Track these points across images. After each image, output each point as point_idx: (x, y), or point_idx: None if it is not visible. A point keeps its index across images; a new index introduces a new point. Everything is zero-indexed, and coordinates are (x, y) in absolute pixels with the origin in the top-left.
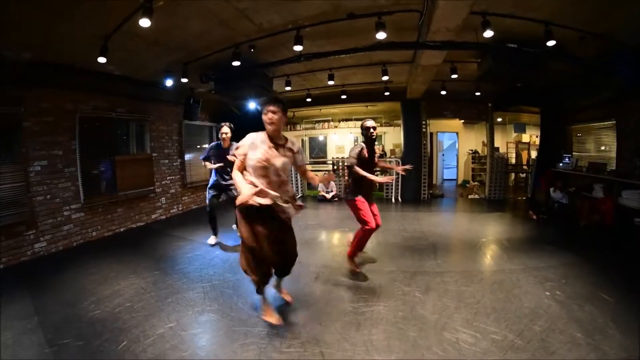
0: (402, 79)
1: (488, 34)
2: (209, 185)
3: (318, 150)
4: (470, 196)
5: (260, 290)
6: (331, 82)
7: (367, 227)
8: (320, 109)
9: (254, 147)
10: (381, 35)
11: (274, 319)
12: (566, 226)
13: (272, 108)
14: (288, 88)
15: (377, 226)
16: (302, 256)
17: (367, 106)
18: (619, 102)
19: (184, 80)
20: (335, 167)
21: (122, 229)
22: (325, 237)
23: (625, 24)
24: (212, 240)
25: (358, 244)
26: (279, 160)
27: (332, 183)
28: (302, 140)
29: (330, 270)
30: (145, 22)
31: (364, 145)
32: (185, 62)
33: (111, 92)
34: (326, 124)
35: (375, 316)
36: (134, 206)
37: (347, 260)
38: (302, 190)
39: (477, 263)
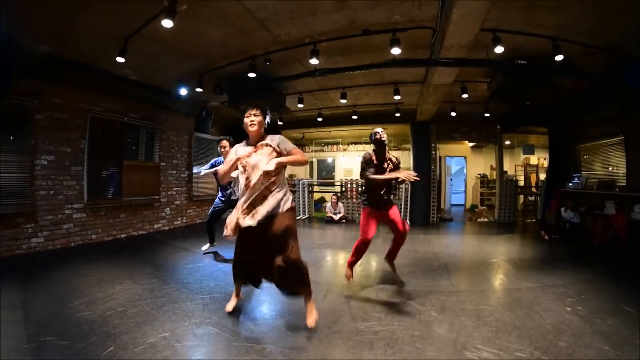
0: (413, 100)
1: (499, 49)
2: (218, 200)
3: (326, 173)
4: (479, 219)
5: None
6: (343, 101)
7: (360, 238)
8: (330, 131)
9: (234, 153)
10: (396, 51)
11: (228, 305)
12: (579, 245)
13: (253, 111)
14: (300, 105)
15: (400, 232)
16: (311, 274)
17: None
18: (626, 115)
19: (199, 89)
20: (343, 189)
21: (123, 235)
22: (332, 256)
23: (629, 34)
24: (205, 247)
25: (354, 252)
26: (254, 158)
27: (340, 204)
28: (311, 161)
29: (340, 288)
30: (167, 23)
31: (371, 152)
32: (202, 72)
33: (124, 96)
34: (335, 146)
35: (390, 335)
36: (138, 213)
37: (346, 270)
38: (308, 212)
39: (492, 282)
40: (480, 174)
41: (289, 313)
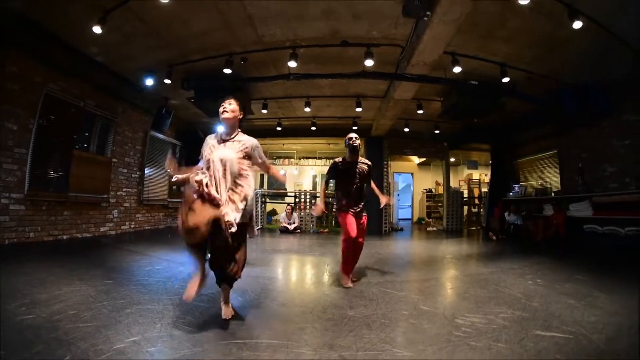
0: (370, 114)
1: (457, 69)
2: None
3: (276, 185)
4: (428, 229)
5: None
6: (307, 109)
7: (343, 237)
8: (283, 144)
9: (206, 146)
10: (369, 63)
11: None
12: (524, 242)
13: (228, 101)
14: (264, 111)
15: (357, 241)
16: (284, 272)
17: (329, 144)
18: (560, 134)
19: (167, 81)
20: (298, 200)
21: (65, 237)
22: (299, 256)
23: (565, 66)
24: None
25: (343, 258)
26: (219, 153)
27: (295, 215)
28: (262, 175)
29: (319, 281)
30: None
31: (342, 158)
32: (173, 63)
33: (85, 78)
34: (287, 160)
35: (382, 317)
36: (83, 213)
37: (342, 277)
38: (261, 222)
39: (459, 270)
40: (426, 189)
41: (271, 303)
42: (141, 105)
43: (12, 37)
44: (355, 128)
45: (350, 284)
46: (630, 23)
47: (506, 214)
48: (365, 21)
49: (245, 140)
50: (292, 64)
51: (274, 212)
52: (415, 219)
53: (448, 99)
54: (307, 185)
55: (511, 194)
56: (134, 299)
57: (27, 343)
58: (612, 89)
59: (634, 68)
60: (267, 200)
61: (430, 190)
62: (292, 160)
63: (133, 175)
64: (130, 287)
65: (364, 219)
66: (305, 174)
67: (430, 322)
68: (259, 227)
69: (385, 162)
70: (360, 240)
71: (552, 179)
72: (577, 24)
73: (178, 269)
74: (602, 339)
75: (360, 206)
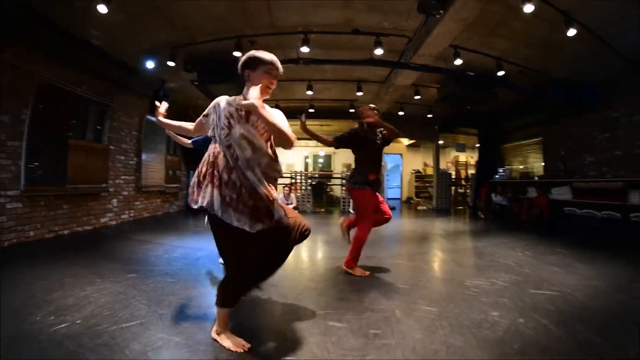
0: (367, 98)
1: (458, 62)
2: None
3: None
4: (419, 207)
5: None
6: (310, 93)
7: (366, 226)
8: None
9: (221, 110)
10: (379, 52)
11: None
12: (510, 221)
13: (277, 72)
14: None
15: (387, 217)
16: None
17: (321, 125)
18: (545, 123)
19: (171, 63)
20: (294, 181)
21: (66, 232)
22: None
23: (555, 63)
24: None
25: (354, 248)
26: (241, 128)
27: (293, 196)
28: None
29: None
30: None
31: (360, 127)
32: (176, 45)
33: (81, 64)
34: None
35: (404, 284)
36: (83, 205)
37: (353, 271)
38: None
39: (456, 244)
40: (415, 170)
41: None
42: (136, 89)
43: (4, 25)
44: (352, 110)
45: (366, 273)
46: (621, 33)
47: (493, 195)
48: (379, 13)
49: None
50: (305, 49)
51: None
52: (404, 198)
53: (445, 87)
54: (299, 166)
55: (497, 176)
56: (166, 290)
57: (73, 354)
58: (598, 87)
59: (620, 72)
60: None
61: (418, 171)
62: None
63: (130, 162)
64: (157, 278)
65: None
66: (297, 155)
67: (445, 286)
68: None
69: None
70: (389, 214)
71: (535, 164)
72: (572, 32)
73: (195, 255)
74: (583, 296)
75: (379, 177)
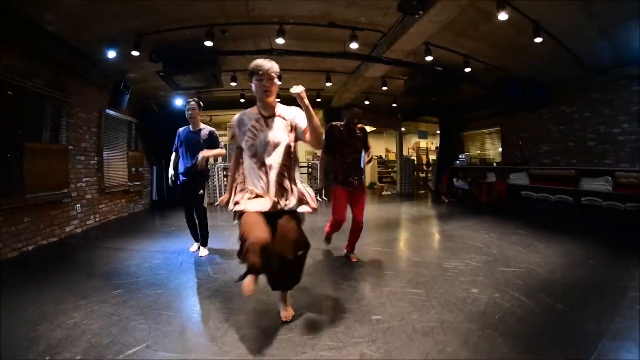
0: (334, 88)
1: (429, 58)
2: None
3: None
4: (383, 193)
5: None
6: (278, 83)
7: (331, 218)
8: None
9: (242, 125)
10: (354, 46)
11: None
12: (471, 204)
13: (268, 74)
14: (234, 84)
15: (356, 221)
16: None
17: None
18: (503, 114)
19: (135, 53)
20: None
21: (30, 247)
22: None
23: (519, 63)
24: (194, 247)
25: (329, 229)
26: (264, 134)
27: None
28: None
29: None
30: None
31: (337, 123)
32: (141, 32)
33: (32, 53)
34: None
35: (388, 270)
36: (44, 215)
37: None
38: None
39: (427, 229)
40: (377, 156)
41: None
42: (94, 81)
43: None
44: (319, 100)
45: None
46: (581, 42)
47: (455, 179)
48: (357, 7)
49: (287, 113)
50: (280, 40)
51: None
52: (367, 183)
53: (412, 80)
54: None
55: (458, 162)
56: (160, 303)
57: None
58: (554, 85)
59: (576, 75)
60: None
61: (381, 157)
62: None
63: (91, 162)
64: (146, 291)
65: (364, 195)
66: None
67: (426, 269)
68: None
69: None
70: (360, 219)
71: (493, 151)
72: (538, 39)
73: (177, 260)
74: (545, 271)
75: (357, 179)
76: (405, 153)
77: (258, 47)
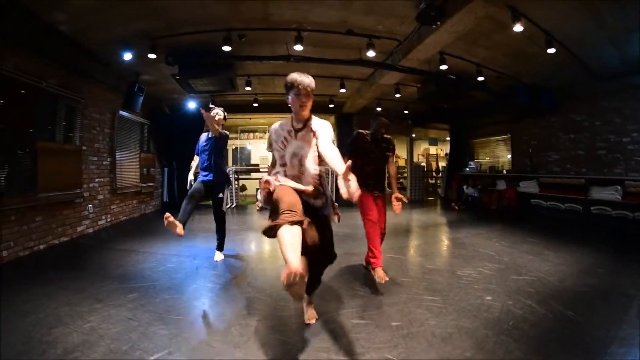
0: (347, 94)
1: (443, 67)
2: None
3: (243, 160)
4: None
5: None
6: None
7: (367, 217)
8: (250, 118)
9: (277, 135)
10: (371, 54)
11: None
12: (481, 212)
13: (305, 90)
14: (248, 88)
15: (382, 231)
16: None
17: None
18: (513, 122)
19: (152, 56)
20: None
21: (42, 246)
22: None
23: (527, 70)
24: (219, 256)
25: (369, 245)
26: (292, 146)
27: None
28: (235, 148)
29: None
30: None
31: (364, 131)
32: (156, 35)
33: (45, 53)
34: (251, 134)
35: (404, 277)
36: (57, 214)
37: (376, 271)
38: (236, 200)
39: (438, 236)
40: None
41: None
42: (108, 82)
43: None
44: (331, 106)
45: (385, 278)
46: (590, 50)
47: (465, 187)
48: (375, 16)
49: (318, 128)
50: (298, 47)
51: (243, 188)
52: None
53: (426, 87)
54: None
55: (467, 169)
56: (178, 308)
57: None
58: (562, 92)
59: (583, 82)
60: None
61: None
62: (257, 134)
63: (104, 163)
64: (163, 296)
65: (381, 203)
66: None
67: (441, 276)
68: (234, 204)
69: None
70: (382, 227)
71: (503, 159)
72: (551, 50)
73: (192, 264)
74: (555, 279)
75: (378, 189)
76: (415, 159)
77: (275, 52)
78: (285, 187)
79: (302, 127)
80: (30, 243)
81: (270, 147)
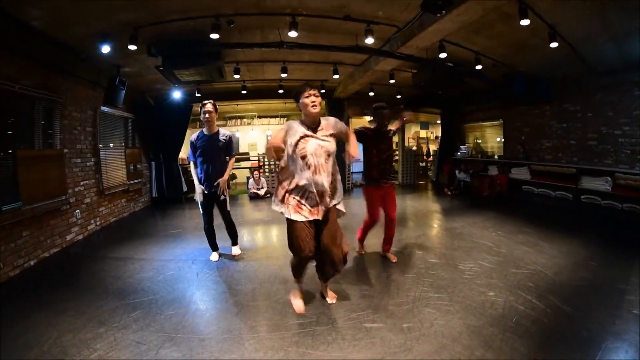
0: (340, 79)
1: (442, 55)
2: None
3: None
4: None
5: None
6: (284, 75)
7: (366, 219)
8: (237, 104)
9: (293, 132)
10: (369, 40)
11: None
12: (473, 197)
13: (313, 91)
14: (237, 76)
15: (389, 219)
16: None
17: (285, 103)
18: (505, 108)
19: (132, 47)
20: (261, 164)
21: (32, 262)
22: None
23: (526, 61)
24: (214, 257)
25: (361, 231)
26: (313, 144)
27: (263, 179)
28: None
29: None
30: None
31: (365, 128)
32: (138, 25)
33: (18, 53)
34: (239, 120)
35: (409, 273)
36: (44, 225)
37: (358, 243)
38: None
39: (436, 226)
40: None
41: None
42: (87, 78)
43: None
44: (323, 91)
45: (363, 251)
46: (590, 45)
47: (457, 172)
48: (376, 2)
49: (327, 124)
50: (293, 34)
51: (233, 177)
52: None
53: (422, 74)
54: (261, 146)
55: (459, 153)
56: (187, 326)
57: None
58: (558, 83)
59: (580, 75)
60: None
61: None
62: (245, 120)
63: (88, 164)
64: (167, 312)
65: (393, 191)
66: (261, 134)
67: (444, 271)
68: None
69: (347, 122)
70: (394, 215)
71: (495, 144)
72: (554, 44)
73: (192, 269)
74: (552, 273)
75: (390, 177)
76: (406, 144)
77: (266, 38)
78: (298, 230)
79: (318, 126)
80: (20, 260)
81: (277, 152)
